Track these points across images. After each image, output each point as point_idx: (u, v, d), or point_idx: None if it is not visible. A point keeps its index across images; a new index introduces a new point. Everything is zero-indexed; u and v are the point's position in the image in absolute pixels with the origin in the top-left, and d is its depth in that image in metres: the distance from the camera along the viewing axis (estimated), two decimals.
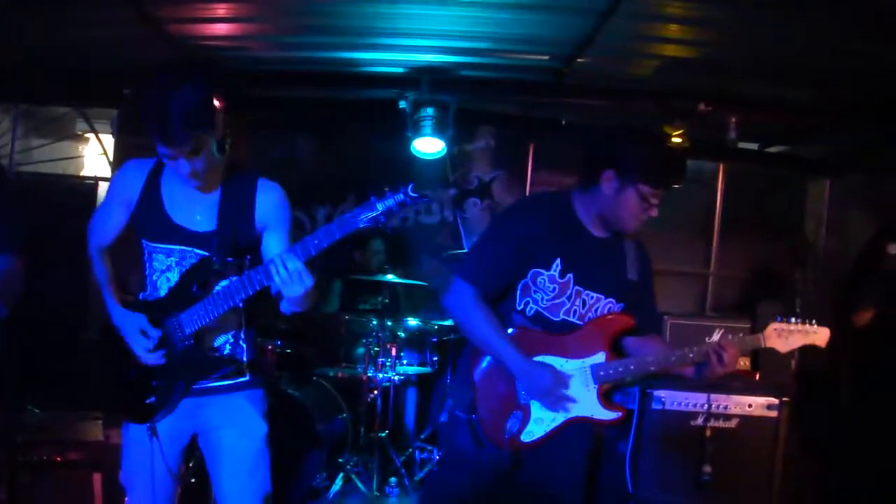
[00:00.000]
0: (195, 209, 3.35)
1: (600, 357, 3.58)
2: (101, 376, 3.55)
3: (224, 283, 3.27)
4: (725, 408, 5.34)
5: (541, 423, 3.57)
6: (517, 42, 6.09)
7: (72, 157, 10.18)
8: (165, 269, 3.36)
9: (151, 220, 3.36)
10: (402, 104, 6.84)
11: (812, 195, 8.95)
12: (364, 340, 6.86)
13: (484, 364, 3.62)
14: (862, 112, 6.81)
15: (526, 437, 3.56)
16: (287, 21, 5.96)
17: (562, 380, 3.52)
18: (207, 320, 3.24)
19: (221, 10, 5.81)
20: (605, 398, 3.59)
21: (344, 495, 6.36)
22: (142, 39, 6.22)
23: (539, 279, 3.57)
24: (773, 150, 8.63)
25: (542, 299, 3.59)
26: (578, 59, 6.22)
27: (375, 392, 6.78)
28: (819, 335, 3.62)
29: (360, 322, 6.98)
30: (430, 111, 6.68)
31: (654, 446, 5.38)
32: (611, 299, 3.68)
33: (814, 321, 3.61)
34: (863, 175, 8.02)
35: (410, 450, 6.97)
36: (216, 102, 3.09)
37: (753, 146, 8.58)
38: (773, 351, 3.62)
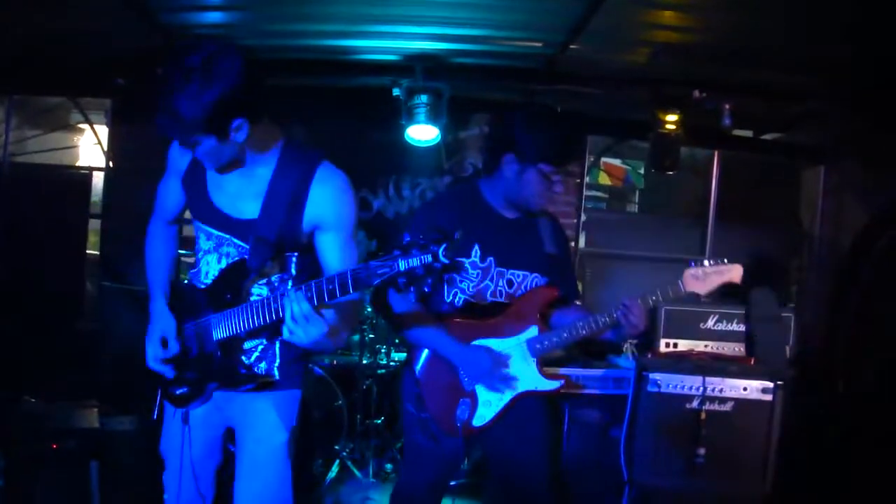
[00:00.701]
0: (239, 192, 3.11)
1: (533, 331, 3.74)
2: (97, 359, 3.55)
3: (258, 291, 3.11)
4: (721, 391, 5.35)
5: (489, 405, 3.70)
6: (511, 28, 6.08)
7: (66, 148, 10.17)
8: (207, 250, 3.24)
9: (194, 198, 3.21)
10: (396, 91, 6.83)
11: (807, 182, 8.96)
12: (359, 327, 6.86)
13: (423, 359, 3.74)
14: (857, 99, 6.81)
15: (478, 422, 3.68)
16: (279, 9, 5.93)
17: (500, 359, 3.66)
18: (238, 331, 3.02)
19: None
20: (545, 369, 3.76)
21: (340, 482, 6.40)
22: (134, 29, 6.20)
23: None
24: (767, 137, 8.62)
25: (468, 287, 3.73)
26: (572, 46, 6.21)
27: (371, 379, 6.80)
28: (733, 272, 3.79)
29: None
30: (423, 98, 6.67)
31: (648, 429, 5.39)
32: (535, 274, 3.83)
33: (725, 259, 3.78)
34: (857, 162, 8.02)
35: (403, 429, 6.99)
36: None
37: (748, 133, 8.57)
38: (694, 295, 3.79)
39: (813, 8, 5.19)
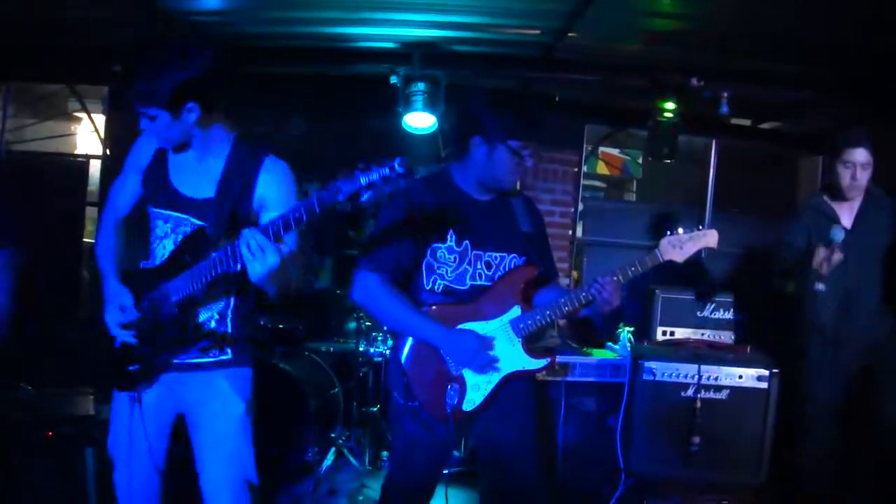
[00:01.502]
0: (196, 178, 3.38)
1: (516, 311, 3.73)
2: (93, 347, 3.57)
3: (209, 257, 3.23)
4: (716, 379, 5.37)
5: (477, 388, 3.70)
6: (508, 16, 6.07)
7: (63, 136, 10.17)
8: (163, 235, 3.40)
9: (155, 186, 3.43)
10: (394, 79, 6.82)
11: (804, 171, 8.96)
12: (355, 315, 6.86)
13: (407, 347, 3.72)
14: (854, 88, 6.81)
15: (468, 406, 3.68)
16: None
17: (486, 341, 3.65)
18: (192, 289, 3.22)
19: None
20: (531, 348, 3.75)
21: (336, 469, 6.39)
22: (132, 16, 6.19)
23: (439, 253, 3.71)
24: (765, 126, 8.62)
25: (446, 272, 3.73)
26: (569, 34, 6.20)
27: (367, 367, 6.81)
28: (708, 237, 3.76)
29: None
30: (421, 86, 6.66)
31: (644, 418, 5.41)
32: (513, 255, 3.84)
33: (701, 227, 3.78)
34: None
35: (391, 420, 6.98)
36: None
37: (746, 122, 8.57)
38: (672, 263, 3.76)
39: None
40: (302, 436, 6.16)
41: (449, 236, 3.69)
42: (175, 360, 3.36)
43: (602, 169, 12.18)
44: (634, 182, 12.68)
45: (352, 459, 6.43)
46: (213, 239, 3.26)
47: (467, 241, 3.71)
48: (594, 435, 5.64)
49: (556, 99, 8.13)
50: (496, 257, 3.77)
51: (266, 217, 3.31)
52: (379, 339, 6.72)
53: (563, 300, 3.68)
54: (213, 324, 3.40)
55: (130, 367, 3.35)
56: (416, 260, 3.69)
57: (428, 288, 3.70)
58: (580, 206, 8.56)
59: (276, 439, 5.84)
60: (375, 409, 6.74)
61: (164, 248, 3.39)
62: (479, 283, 3.73)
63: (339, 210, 2.95)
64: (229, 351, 3.41)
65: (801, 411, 5.30)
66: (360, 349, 6.72)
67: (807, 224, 5.28)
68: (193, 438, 3.44)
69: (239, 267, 3.06)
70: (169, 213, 3.38)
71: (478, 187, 3.79)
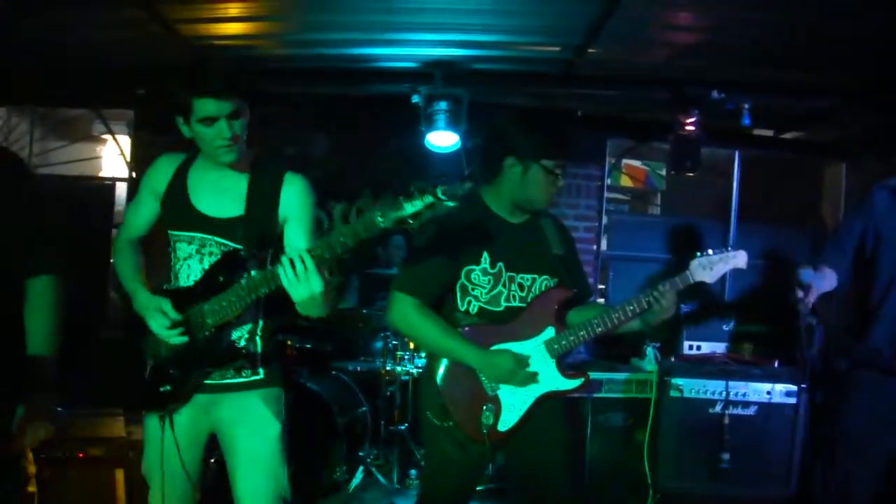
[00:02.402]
0: (219, 198, 3.40)
1: (550, 332, 3.74)
2: (122, 368, 3.58)
3: (247, 275, 3.23)
4: (744, 395, 5.35)
5: (513, 409, 3.70)
6: (529, 33, 6.09)
7: (89, 159, 10.26)
8: (187, 256, 3.39)
9: (175, 208, 3.43)
10: (416, 98, 6.84)
11: (828, 180, 8.93)
12: (382, 334, 6.88)
13: (442, 368, 3.73)
14: (877, 95, 6.78)
15: (503, 427, 3.68)
16: (299, 18, 5.97)
17: (522, 361, 3.65)
18: (230, 312, 3.22)
19: (234, 10, 5.84)
20: (565, 369, 3.76)
21: (364, 488, 6.41)
22: (155, 40, 6.25)
23: (473, 275, 3.71)
24: (788, 135, 8.59)
25: (481, 294, 3.74)
26: (590, 49, 6.21)
27: (394, 385, 6.82)
28: (738, 258, 3.74)
29: (378, 316, 7.01)
30: (443, 105, 6.68)
31: (672, 434, 5.39)
32: (545, 276, 3.83)
33: (730, 248, 3.76)
34: (879, 158, 7.97)
35: (423, 441, 6.98)
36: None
37: (768, 132, 8.54)
38: (705, 286, 3.76)
39: (831, 5, 5.17)
40: (330, 455, 6.18)
41: (483, 258, 3.70)
42: (207, 381, 3.37)
43: (625, 181, 12.15)
44: (658, 194, 12.64)
45: (380, 478, 6.44)
46: (245, 258, 3.29)
47: (501, 263, 3.72)
48: (621, 450, 5.63)
49: (579, 114, 8.14)
50: (529, 279, 3.78)
51: (290, 229, 3.40)
52: (406, 358, 6.73)
53: (596, 321, 3.68)
54: (242, 342, 3.40)
55: (162, 389, 3.35)
56: (451, 282, 3.71)
57: (462, 309, 3.70)
58: (604, 221, 8.55)
59: (305, 458, 5.86)
60: (403, 427, 6.74)
61: (189, 269, 3.38)
62: (513, 304, 3.74)
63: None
64: (261, 371, 3.42)
65: (832, 446, 4.47)
66: (388, 368, 6.74)
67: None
68: (228, 458, 3.45)
69: (273, 288, 3.08)
70: (192, 234, 3.38)
71: (510, 209, 3.80)
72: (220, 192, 3.41)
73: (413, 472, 6.56)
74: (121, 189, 8.55)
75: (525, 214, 3.86)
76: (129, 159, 8.41)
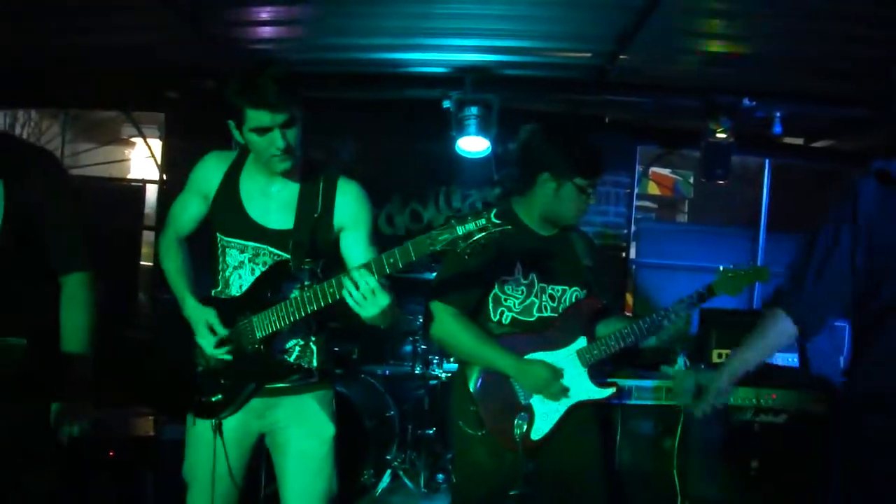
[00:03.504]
0: (273, 206, 3.36)
1: (582, 342, 3.78)
2: (167, 371, 3.58)
3: (298, 289, 3.21)
4: (774, 403, 5.32)
5: (546, 417, 3.73)
6: (560, 39, 6.10)
7: (118, 161, 10.32)
8: (238, 265, 3.36)
9: (227, 214, 3.38)
10: (447, 104, 6.86)
11: None
12: (411, 338, 6.90)
13: (476, 376, 3.76)
14: None
15: (536, 435, 3.71)
16: (328, 23, 6.00)
17: (557, 370, 3.69)
18: (280, 327, 3.20)
19: (265, 14, 5.87)
20: (596, 378, 3.80)
21: (392, 492, 6.41)
22: (186, 44, 6.30)
23: (506, 286, 3.76)
24: (818, 144, 8.56)
25: (514, 304, 3.78)
26: (621, 56, 6.21)
27: (423, 389, 6.83)
28: (761, 273, 3.78)
29: (407, 320, 7.03)
30: (474, 110, 6.71)
31: (701, 442, 5.37)
32: (575, 288, 3.88)
33: (753, 262, 3.86)
34: None
35: (454, 449, 6.95)
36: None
37: (799, 141, 8.51)
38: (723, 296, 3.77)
39: (862, 13, 5.15)
40: (358, 458, 6.20)
41: (516, 270, 3.73)
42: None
43: (653, 189, 12.14)
44: (686, 202, 12.61)
45: (407, 482, 6.44)
46: (294, 271, 3.27)
47: (533, 274, 3.75)
48: (650, 458, 5.60)
49: (606, 121, 8.13)
50: (559, 290, 3.81)
51: (348, 237, 3.37)
52: (434, 362, 6.74)
53: (626, 331, 3.70)
54: (293, 356, 3.38)
55: (214, 398, 3.33)
56: (485, 292, 3.74)
57: (495, 320, 3.74)
58: (633, 228, 8.53)
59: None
60: (431, 431, 6.74)
61: (240, 279, 3.35)
62: (545, 314, 3.77)
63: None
64: (316, 374, 3.41)
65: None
66: (416, 372, 6.75)
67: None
68: (279, 457, 3.44)
69: (325, 305, 3.08)
70: (246, 242, 3.34)
71: (541, 222, 3.84)
72: (274, 201, 3.37)
73: (440, 476, 6.56)
74: (150, 191, 8.61)
75: (554, 228, 3.90)
76: (159, 162, 8.45)
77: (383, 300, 2.96)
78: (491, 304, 3.75)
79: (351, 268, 3.08)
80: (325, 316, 3.38)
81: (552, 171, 3.72)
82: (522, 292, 3.76)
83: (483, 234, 2.82)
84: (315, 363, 3.40)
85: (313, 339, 3.41)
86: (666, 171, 11.97)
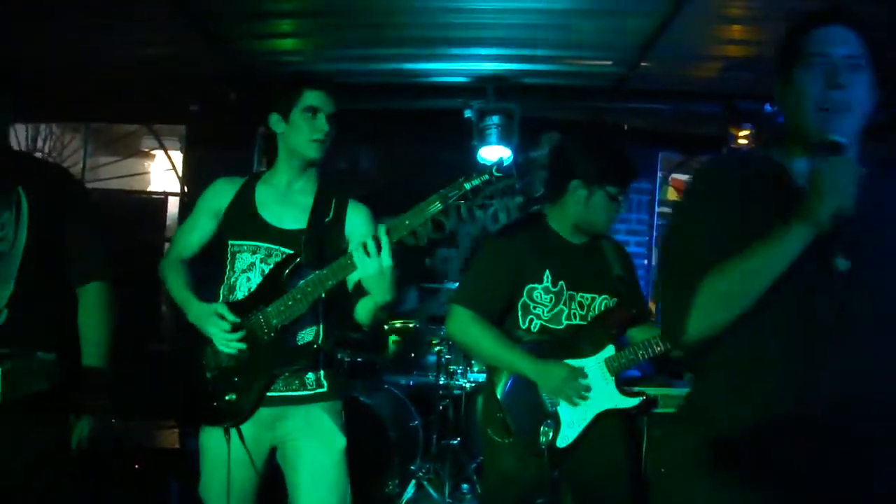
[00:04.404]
0: (287, 211, 3.48)
1: (610, 350, 3.76)
2: (178, 381, 3.57)
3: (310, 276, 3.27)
4: None
5: (572, 425, 3.71)
6: (581, 48, 6.10)
7: (138, 174, 10.35)
8: (247, 267, 3.42)
9: (240, 218, 3.49)
10: (468, 113, 6.87)
11: None
12: (435, 348, 6.90)
13: (503, 382, 3.75)
14: None
15: (562, 443, 3.69)
16: (349, 34, 6.01)
17: (576, 370, 3.68)
18: (297, 311, 3.27)
19: (286, 26, 5.90)
20: (623, 387, 3.79)
21: (416, 502, 6.39)
22: (207, 56, 6.32)
23: (535, 293, 3.75)
24: None
25: (543, 312, 3.77)
26: (642, 64, 6.21)
27: (447, 400, 6.82)
28: None
29: (430, 330, 7.04)
30: (495, 119, 6.71)
31: None
32: (604, 296, 3.86)
33: None
34: None
35: (482, 457, 6.93)
36: None
37: None
38: None
39: (886, 20, 5.12)
40: (382, 468, 6.19)
41: (545, 277, 3.72)
42: (272, 394, 3.37)
43: (672, 195, 12.07)
44: None
45: (432, 492, 6.43)
46: (304, 268, 3.32)
47: (563, 282, 3.74)
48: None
49: (626, 128, 8.12)
50: (589, 298, 3.80)
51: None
52: (458, 372, 6.73)
53: (654, 340, 3.69)
54: (307, 339, 3.43)
55: (227, 397, 3.34)
56: (512, 299, 3.73)
57: (524, 327, 3.73)
58: (654, 235, 8.50)
59: (357, 472, 5.85)
60: (455, 441, 6.73)
61: (248, 281, 3.40)
62: (574, 322, 3.76)
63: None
64: (325, 383, 3.44)
65: None
66: (440, 382, 6.74)
67: None
68: (290, 471, 3.45)
69: (336, 282, 3.19)
70: (258, 243, 3.43)
71: (572, 230, 3.83)
72: (288, 205, 3.50)
73: (465, 486, 6.55)
74: (172, 203, 8.63)
75: (585, 236, 3.89)
76: (180, 174, 8.47)
77: (387, 260, 3.03)
78: (520, 312, 3.74)
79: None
80: (334, 315, 3.49)
81: (583, 178, 3.72)
82: (551, 300, 3.75)
83: (489, 187, 2.97)
84: (324, 347, 3.45)
85: (322, 332, 3.46)
86: (685, 177, 11.92)
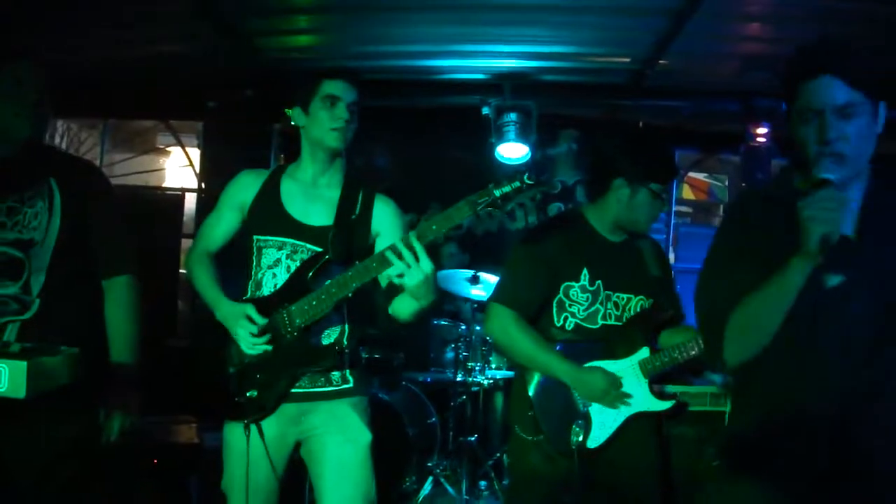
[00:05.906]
0: (313, 207, 3.47)
1: (645, 352, 3.72)
2: (200, 376, 3.58)
3: (339, 275, 3.27)
4: None
5: (603, 426, 3.68)
6: (598, 45, 6.10)
7: (153, 170, 10.38)
8: (273, 263, 3.42)
9: (266, 214, 3.48)
10: (486, 110, 6.87)
11: None
12: (453, 345, 6.89)
13: (535, 381, 3.75)
14: None
15: (592, 443, 3.66)
16: (367, 31, 6.02)
17: (615, 379, 3.65)
18: (320, 311, 3.26)
19: (303, 22, 5.90)
20: (657, 389, 3.75)
21: (433, 499, 6.39)
22: (224, 53, 6.33)
23: (571, 291, 3.72)
24: None
25: (578, 311, 3.74)
26: (660, 61, 6.20)
27: (464, 396, 6.82)
28: None
29: (448, 327, 7.06)
30: (513, 116, 6.71)
31: None
32: (640, 297, 3.82)
33: None
34: None
35: (499, 454, 6.84)
36: None
37: None
38: None
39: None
40: (400, 465, 6.22)
41: (583, 275, 3.70)
42: (297, 390, 3.37)
43: (687, 193, 12.06)
44: (721, 206, 12.53)
45: (449, 489, 6.42)
46: (332, 264, 3.32)
47: (600, 281, 3.71)
48: (694, 463, 5.57)
49: (640, 124, 8.10)
50: (625, 298, 3.76)
51: (384, 242, 3.38)
52: (476, 369, 6.73)
53: (690, 343, 3.64)
54: (332, 339, 3.42)
55: (248, 394, 3.35)
56: (548, 297, 3.70)
57: (558, 325, 3.70)
58: (671, 233, 8.48)
59: (375, 467, 5.86)
60: (473, 438, 6.72)
61: (275, 278, 3.40)
62: (609, 322, 3.73)
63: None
64: (351, 379, 3.43)
65: None
66: (458, 379, 6.73)
67: None
68: (314, 466, 3.44)
69: (363, 284, 3.20)
70: (284, 239, 3.42)
71: (612, 228, 3.80)
72: (314, 201, 3.49)
73: (482, 482, 6.55)
74: (189, 199, 8.65)
75: (624, 235, 3.86)
76: (197, 171, 8.49)
77: (427, 266, 3.04)
78: (555, 309, 3.71)
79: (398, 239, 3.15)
80: (359, 314, 3.49)
81: (627, 176, 3.69)
82: (587, 299, 3.72)
83: (520, 195, 3.08)
84: (347, 350, 3.42)
85: (347, 333, 3.44)
86: (700, 175, 11.90)
